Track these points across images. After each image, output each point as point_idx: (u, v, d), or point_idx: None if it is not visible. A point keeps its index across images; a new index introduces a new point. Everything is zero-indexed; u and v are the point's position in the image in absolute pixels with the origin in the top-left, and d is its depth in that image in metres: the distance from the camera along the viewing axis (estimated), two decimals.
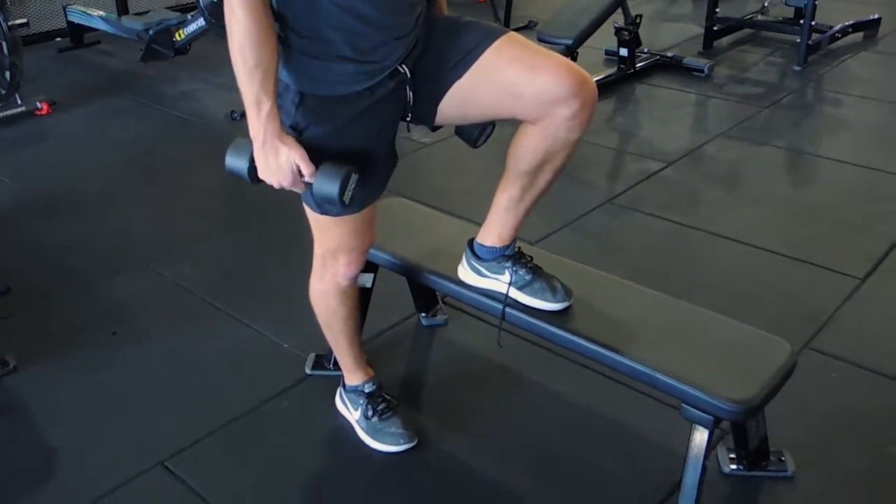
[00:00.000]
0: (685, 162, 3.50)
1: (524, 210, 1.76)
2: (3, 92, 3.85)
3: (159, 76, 4.55)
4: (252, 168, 1.50)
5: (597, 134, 3.72)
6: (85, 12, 4.93)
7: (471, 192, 3.10)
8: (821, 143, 3.75)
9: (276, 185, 1.51)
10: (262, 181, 1.52)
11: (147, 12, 4.80)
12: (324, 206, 1.60)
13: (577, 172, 3.32)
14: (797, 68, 4.56)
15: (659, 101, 4.26)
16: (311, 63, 1.52)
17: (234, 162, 1.53)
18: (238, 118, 3.87)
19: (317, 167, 1.49)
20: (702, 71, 4.46)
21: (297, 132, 1.56)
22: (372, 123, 1.59)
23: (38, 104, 3.98)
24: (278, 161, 1.48)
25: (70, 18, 5.04)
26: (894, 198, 3.17)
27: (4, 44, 3.66)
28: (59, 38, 5.18)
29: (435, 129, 1.71)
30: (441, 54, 1.61)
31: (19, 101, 3.95)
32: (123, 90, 4.43)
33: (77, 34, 5.11)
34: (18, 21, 4.08)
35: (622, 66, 4.42)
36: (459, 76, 1.59)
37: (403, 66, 1.58)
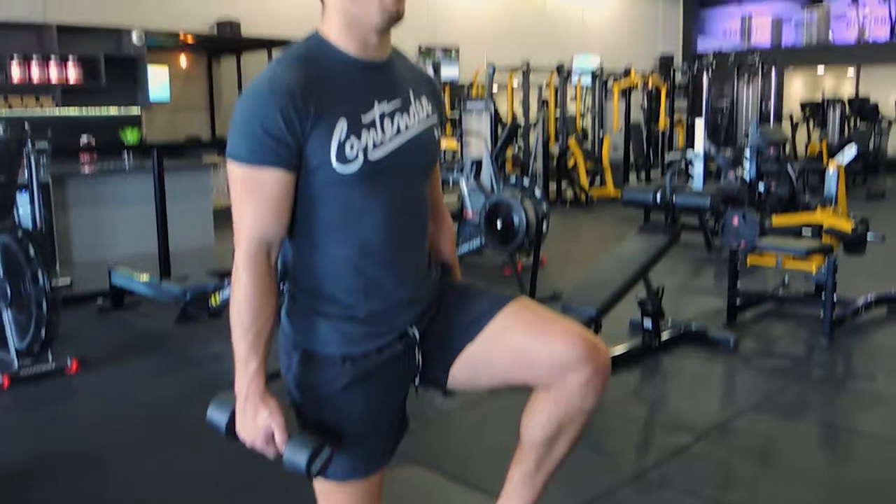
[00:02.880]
0: (716, 436, 3.38)
1: (541, 484, 1.68)
2: (36, 348, 3.93)
3: (191, 338, 4.65)
4: (231, 422, 1.53)
5: (624, 404, 3.66)
6: (129, 276, 5.17)
7: (493, 460, 2.98)
8: (857, 418, 3.63)
9: (248, 444, 1.52)
10: (235, 437, 1.53)
11: (186, 276, 5.02)
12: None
13: (605, 443, 3.21)
14: (824, 342, 4.55)
15: (686, 372, 4.23)
16: (320, 321, 1.55)
17: (215, 414, 1.56)
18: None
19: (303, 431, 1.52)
20: (727, 343, 4.47)
21: (300, 391, 1.56)
22: (377, 385, 1.57)
23: (68, 361, 4.05)
24: (256, 422, 1.49)
25: (114, 281, 5.27)
26: None
27: (45, 302, 3.80)
28: (100, 300, 5.38)
29: (447, 393, 1.69)
30: (452, 318, 1.62)
31: (50, 359, 4.02)
32: (155, 351, 4.52)
33: (118, 296, 5.32)
34: (62, 282, 4.27)
35: (646, 337, 4.45)
36: (470, 341, 1.60)
37: (414, 328, 1.59)
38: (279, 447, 1.50)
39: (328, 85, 1.48)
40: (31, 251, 3.84)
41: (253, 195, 1.45)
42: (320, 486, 1.64)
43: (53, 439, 3.40)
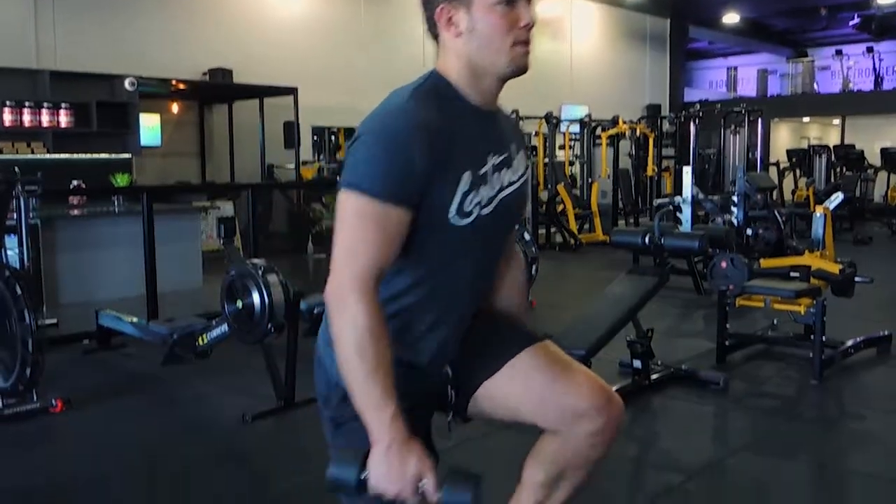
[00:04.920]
0: (707, 475, 3.35)
1: None
2: (21, 388, 3.88)
3: (177, 379, 4.60)
4: (361, 478, 1.39)
5: (615, 444, 3.61)
6: (116, 317, 5.14)
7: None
8: (849, 458, 3.61)
9: (390, 495, 1.38)
10: (365, 492, 1.39)
11: (171, 319, 4.98)
12: None
13: (596, 483, 3.16)
14: (814, 382, 4.53)
15: (676, 412, 4.20)
16: None
17: (340, 471, 1.40)
18: (249, 421, 3.83)
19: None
20: (717, 383, 4.44)
21: (334, 424, 1.53)
22: (410, 419, 1.49)
23: (53, 402, 3.99)
24: (403, 468, 1.37)
25: (101, 322, 5.23)
26: None
27: (30, 341, 3.77)
28: (87, 341, 5.33)
29: (467, 420, 1.67)
30: (478, 350, 1.62)
31: (35, 398, 3.97)
32: (140, 392, 4.47)
33: (105, 337, 5.27)
34: (48, 322, 4.23)
35: (636, 377, 4.43)
36: (492, 373, 1.59)
37: (448, 368, 1.59)
38: (431, 493, 1.38)
39: (456, 130, 1.46)
40: (18, 290, 3.82)
41: (377, 230, 1.39)
42: None
43: (36, 480, 3.33)
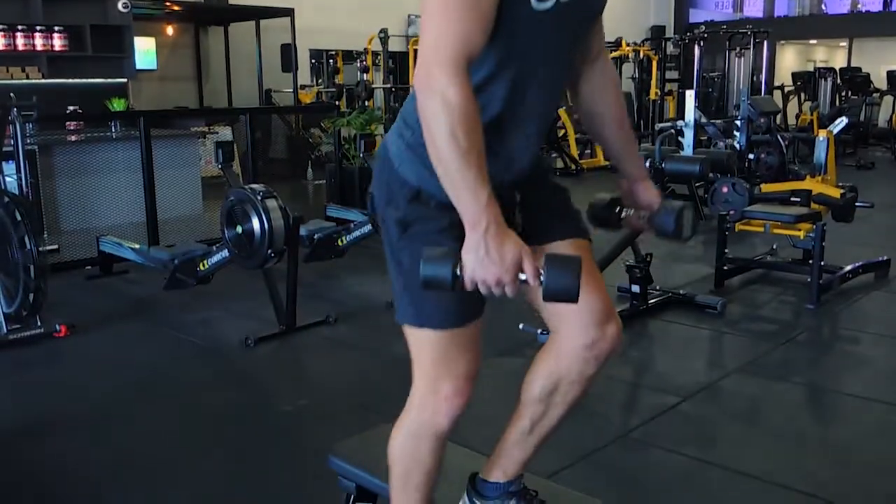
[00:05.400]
0: (702, 397, 3.41)
1: (532, 446, 1.69)
2: (25, 314, 3.93)
3: (179, 304, 4.65)
4: (457, 271, 1.32)
5: (611, 367, 3.65)
6: (117, 243, 5.16)
7: (482, 424, 3.00)
8: (841, 380, 3.66)
9: (489, 283, 1.32)
10: (463, 287, 1.33)
11: (172, 245, 5.00)
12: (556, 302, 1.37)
13: (591, 405, 3.22)
14: (810, 307, 4.57)
15: (673, 336, 4.25)
16: None
17: (433, 268, 1.34)
18: (252, 344, 3.89)
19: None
20: (714, 308, 4.49)
21: (401, 227, 1.50)
22: None
23: (57, 326, 4.04)
24: (502, 251, 1.31)
25: (102, 248, 5.26)
26: None
27: (32, 267, 3.79)
28: (89, 267, 5.37)
29: None
30: (532, 213, 1.60)
31: (39, 323, 4.02)
32: (143, 316, 4.52)
33: (107, 263, 5.30)
34: (49, 247, 4.25)
35: (635, 301, 4.47)
36: (532, 243, 1.53)
37: (517, 192, 1.56)
38: (531, 277, 1.32)
39: None
40: (18, 216, 3.82)
41: (465, 7, 1.33)
42: (417, 334, 1.55)
43: (41, 401, 3.40)
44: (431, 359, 1.56)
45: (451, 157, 1.32)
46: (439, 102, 1.31)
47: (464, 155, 1.31)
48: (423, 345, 1.55)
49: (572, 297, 1.30)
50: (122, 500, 2.59)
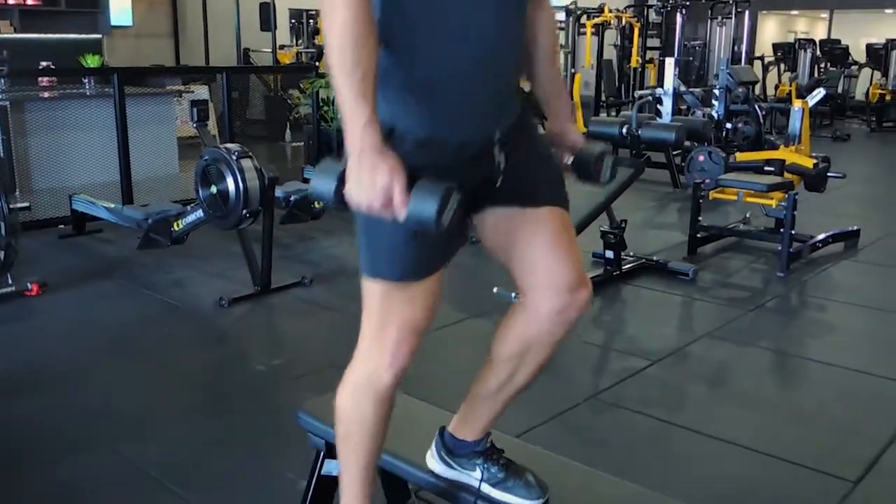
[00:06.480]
0: (670, 361, 3.46)
1: (500, 404, 1.71)
2: None
3: (154, 264, 4.63)
4: (339, 188, 1.34)
5: (582, 331, 3.72)
6: (90, 201, 5.10)
7: (449, 384, 3.04)
8: (807, 346, 3.74)
9: (363, 206, 1.32)
10: (345, 205, 1.34)
11: (146, 205, 4.96)
12: (417, 234, 1.39)
13: (562, 367, 3.27)
14: (780, 274, 4.64)
15: (644, 301, 4.30)
16: (409, 98, 1.43)
17: (319, 182, 1.36)
18: (226, 305, 3.89)
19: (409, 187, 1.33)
20: (686, 274, 4.54)
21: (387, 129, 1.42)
22: (451, 178, 1.39)
23: (29, 285, 4.01)
24: (374, 176, 1.30)
25: (75, 207, 5.20)
26: (882, 400, 3.11)
27: (3, 225, 3.75)
28: (62, 226, 5.31)
29: (475, 241, 1.66)
30: (517, 172, 1.57)
31: (10, 282, 3.99)
32: (116, 276, 4.49)
33: (80, 222, 5.25)
34: (20, 205, 4.20)
35: (608, 267, 4.50)
36: (513, 205, 1.55)
37: (497, 132, 1.51)
38: (399, 205, 1.31)
39: None
40: None
41: None
42: (370, 286, 1.54)
43: (14, 359, 3.39)
44: (379, 308, 1.54)
45: (336, 74, 1.31)
46: (332, 15, 1.30)
47: (349, 72, 1.30)
48: (374, 294, 1.54)
49: (430, 228, 1.30)
50: (93, 459, 2.60)
